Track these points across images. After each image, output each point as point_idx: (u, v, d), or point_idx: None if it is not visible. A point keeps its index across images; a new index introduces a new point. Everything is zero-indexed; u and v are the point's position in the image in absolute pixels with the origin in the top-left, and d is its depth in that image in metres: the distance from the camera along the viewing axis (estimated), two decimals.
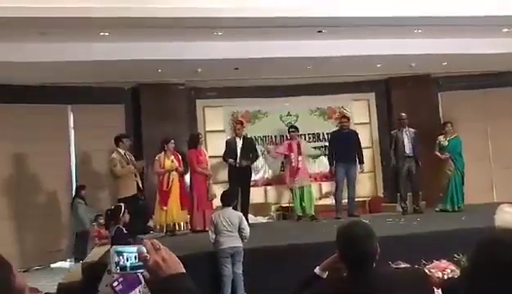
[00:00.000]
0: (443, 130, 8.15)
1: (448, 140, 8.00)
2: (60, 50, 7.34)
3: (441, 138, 8.07)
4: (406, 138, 8.05)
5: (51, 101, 9.09)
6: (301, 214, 7.97)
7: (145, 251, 1.24)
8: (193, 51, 7.81)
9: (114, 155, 7.15)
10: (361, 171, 8.58)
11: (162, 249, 1.25)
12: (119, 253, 1.25)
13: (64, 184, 9.37)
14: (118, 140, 7.31)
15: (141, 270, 1.25)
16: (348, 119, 8.89)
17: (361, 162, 8.41)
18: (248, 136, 8.30)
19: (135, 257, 1.25)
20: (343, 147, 8.16)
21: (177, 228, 7.21)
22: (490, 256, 1.52)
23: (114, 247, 1.28)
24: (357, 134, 8.67)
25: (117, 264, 1.25)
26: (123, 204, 5.74)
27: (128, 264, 1.25)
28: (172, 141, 7.43)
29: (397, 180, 8.28)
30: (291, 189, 8.21)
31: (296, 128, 8.51)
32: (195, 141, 7.64)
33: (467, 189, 8.54)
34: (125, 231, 5.47)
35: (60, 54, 7.39)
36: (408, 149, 8.03)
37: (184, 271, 1.24)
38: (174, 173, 7.26)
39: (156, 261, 1.22)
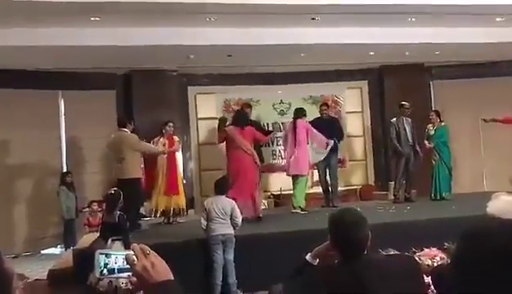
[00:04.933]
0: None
1: (435, 129, 8.05)
2: (51, 35, 7.25)
3: (429, 127, 8.12)
4: (408, 127, 8.07)
5: (42, 87, 8.99)
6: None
7: (132, 254, 1.21)
8: (185, 36, 7.74)
9: (132, 134, 6.87)
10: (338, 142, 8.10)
11: (151, 254, 1.22)
12: (108, 255, 1.24)
13: (54, 170, 9.31)
14: (128, 122, 6.94)
15: (129, 273, 1.22)
16: (328, 106, 8.71)
17: (339, 139, 8.12)
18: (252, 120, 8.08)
19: (123, 260, 1.23)
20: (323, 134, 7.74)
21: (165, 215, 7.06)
22: (479, 244, 1.52)
23: (98, 250, 1.26)
24: (337, 121, 8.62)
25: (105, 266, 1.23)
26: (120, 190, 5.67)
27: (116, 266, 1.23)
28: (171, 124, 7.31)
29: (397, 167, 8.21)
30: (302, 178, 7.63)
31: None
32: (246, 118, 7.26)
33: (458, 178, 8.60)
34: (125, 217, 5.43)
35: (51, 39, 7.29)
36: (410, 137, 8.06)
37: (173, 278, 1.21)
38: (162, 157, 7.15)
39: (145, 266, 1.19)
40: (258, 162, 7.00)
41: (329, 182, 8.14)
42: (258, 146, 7.73)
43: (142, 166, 7.27)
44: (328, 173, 8.09)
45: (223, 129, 7.12)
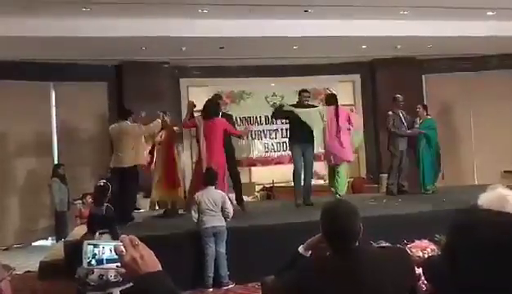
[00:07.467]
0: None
1: (420, 122, 8.00)
2: (42, 25, 7.19)
3: (416, 120, 8.06)
4: (405, 122, 7.99)
5: (33, 78, 8.92)
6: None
7: (121, 245, 1.21)
8: (178, 28, 7.71)
9: (132, 123, 6.87)
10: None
11: (140, 245, 1.22)
12: (96, 246, 1.24)
13: (45, 162, 9.26)
14: (129, 113, 6.92)
15: (118, 264, 1.22)
16: (309, 93, 7.57)
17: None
18: (226, 113, 7.64)
19: (110, 250, 1.23)
20: (298, 125, 6.88)
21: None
22: (467, 235, 1.53)
23: (86, 241, 1.26)
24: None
25: (93, 256, 1.23)
26: (109, 182, 5.60)
27: (105, 257, 1.24)
28: (159, 115, 7.23)
29: (392, 160, 8.12)
30: None
31: None
32: (215, 109, 6.73)
33: (449, 171, 8.63)
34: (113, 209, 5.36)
35: (42, 30, 7.23)
36: (406, 130, 8.02)
37: (161, 269, 1.22)
38: (160, 150, 7.14)
39: (133, 257, 1.19)
40: (201, 165, 6.37)
41: (300, 178, 7.12)
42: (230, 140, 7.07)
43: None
44: (303, 167, 7.10)
45: (194, 117, 6.88)
